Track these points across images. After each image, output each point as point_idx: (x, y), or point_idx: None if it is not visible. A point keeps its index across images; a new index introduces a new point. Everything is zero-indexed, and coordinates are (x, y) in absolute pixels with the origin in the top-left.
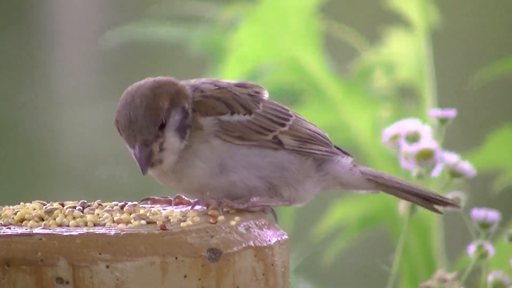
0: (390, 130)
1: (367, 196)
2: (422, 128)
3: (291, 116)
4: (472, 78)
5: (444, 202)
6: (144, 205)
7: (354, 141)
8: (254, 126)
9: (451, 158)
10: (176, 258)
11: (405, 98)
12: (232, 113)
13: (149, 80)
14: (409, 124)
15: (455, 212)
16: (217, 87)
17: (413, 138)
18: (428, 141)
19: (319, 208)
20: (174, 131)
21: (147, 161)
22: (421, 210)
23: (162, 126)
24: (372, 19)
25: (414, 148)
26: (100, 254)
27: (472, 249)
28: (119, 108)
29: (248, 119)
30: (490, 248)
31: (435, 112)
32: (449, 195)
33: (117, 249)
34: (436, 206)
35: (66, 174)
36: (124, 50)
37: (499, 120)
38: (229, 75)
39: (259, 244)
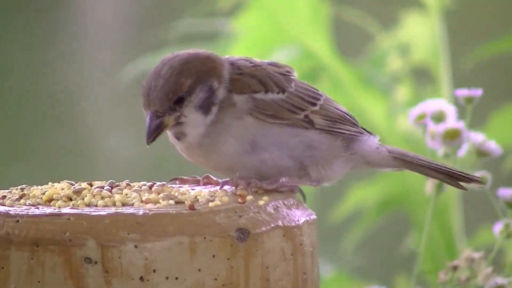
0: (415, 110)
1: (385, 179)
2: (448, 108)
3: (321, 95)
4: (469, 55)
5: (468, 179)
6: (172, 185)
7: (369, 126)
8: (287, 104)
9: (478, 137)
10: (205, 238)
11: (420, 80)
12: (266, 91)
13: (187, 52)
14: (435, 104)
15: (473, 191)
16: (252, 64)
17: (438, 117)
18: (454, 121)
19: (338, 191)
20: (196, 108)
21: (154, 131)
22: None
23: (180, 101)
24: (385, 2)
25: (440, 128)
26: (128, 234)
27: (498, 228)
28: (148, 73)
29: (282, 97)
30: None
31: (461, 92)
32: (476, 175)
33: (145, 229)
34: (461, 183)
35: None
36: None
37: (505, 99)
38: None
39: (288, 223)
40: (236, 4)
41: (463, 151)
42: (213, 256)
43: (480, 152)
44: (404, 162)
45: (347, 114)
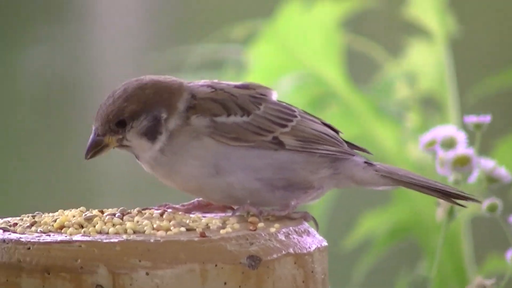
0: (425, 137)
1: (396, 206)
2: (458, 134)
3: (295, 116)
4: (475, 87)
5: (464, 197)
6: (184, 213)
7: (379, 153)
8: (251, 127)
9: (488, 164)
10: (216, 265)
11: (428, 108)
12: (229, 115)
13: (150, 78)
14: (445, 130)
15: (483, 218)
16: (213, 90)
17: (449, 144)
18: (464, 147)
19: (348, 220)
20: (139, 134)
21: (92, 147)
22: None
23: (122, 125)
24: (391, 32)
25: (450, 155)
26: (140, 261)
27: (510, 255)
28: None
29: (245, 120)
30: None
31: (470, 118)
32: (486, 202)
33: (157, 256)
34: (459, 201)
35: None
36: None
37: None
38: None
39: (299, 251)
40: (251, 32)
41: (473, 177)
42: (225, 283)
43: (490, 179)
44: (394, 180)
45: (326, 134)
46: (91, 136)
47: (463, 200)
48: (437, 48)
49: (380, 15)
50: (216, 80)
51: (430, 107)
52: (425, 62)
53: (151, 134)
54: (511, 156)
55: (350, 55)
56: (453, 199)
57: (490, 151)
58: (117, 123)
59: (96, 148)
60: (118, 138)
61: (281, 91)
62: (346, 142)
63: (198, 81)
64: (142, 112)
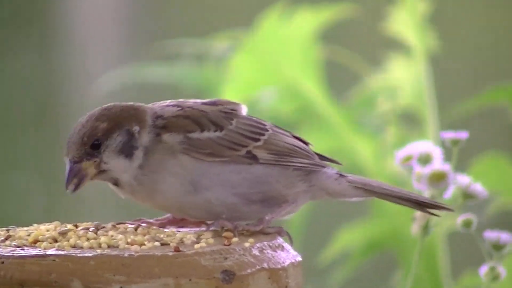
0: (402, 152)
1: (373, 221)
2: (434, 150)
3: (267, 130)
4: (454, 108)
5: (437, 206)
6: (159, 227)
7: (357, 167)
8: (225, 142)
9: (464, 179)
10: (190, 280)
11: (407, 123)
12: (202, 130)
13: (112, 103)
14: (421, 146)
15: (459, 233)
16: (180, 108)
17: (425, 159)
18: (440, 163)
19: (324, 234)
20: (115, 152)
21: (72, 177)
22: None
23: (97, 147)
24: (371, 45)
25: (426, 170)
26: (114, 275)
27: (483, 270)
28: None
29: (219, 135)
30: (501, 270)
31: (447, 134)
32: (461, 217)
33: (131, 271)
34: (433, 210)
35: None
36: (124, 92)
37: (486, 147)
38: None
39: (273, 266)
40: (231, 43)
41: (449, 193)
42: None
43: (466, 195)
44: (367, 191)
45: (297, 147)
46: (67, 167)
47: (437, 209)
48: (417, 63)
49: (360, 28)
50: (181, 99)
51: (409, 122)
52: (405, 77)
53: (128, 150)
54: (487, 174)
55: (330, 67)
56: (427, 209)
57: (466, 169)
58: (92, 145)
59: (75, 176)
60: (96, 162)
61: (261, 104)
62: (317, 154)
63: (162, 102)
64: (114, 129)
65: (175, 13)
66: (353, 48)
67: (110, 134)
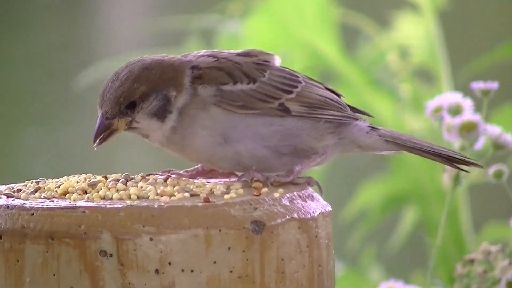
0: (432, 103)
1: (393, 176)
2: (464, 101)
3: (300, 82)
4: (467, 66)
5: (467, 162)
6: (188, 178)
7: (377, 123)
8: (258, 94)
9: (494, 130)
10: (220, 231)
11: (420, 80)
12: (235, 83)
13: (151, 58)
14: (451, 97)
15: (483, 185)
16: (215, 59)
17: (455, 110)
18: (470, 114)
19: (346, 189)
20: (148, 114)
21: (101, 132)
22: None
23: (132, 106)
24: (381, 5)
25: (457, 121)
26: (143, 227)
27: None
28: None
29: (252, 87)
30: None
31: (477, 84)
32: (492, 168)
33: (160, 222)
34: (462, 166)
35: None
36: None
37: (503, 98)
38: None
39: (303, 216)
40: (247, 7)
41: (479, 144)
42: (229, 248)
43: (497, 145)
44: (397, 145)
45: (330, 99)
46: (99, 120)
47: (466, 165)
48: (427, 21)
49: None
50: (216, 50)
51: (422, 78)
52: (416, 35)
53: (161, 113)
54: (505, 126)
55: (341, 29)
56: (456, 164)
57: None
58: (127, 105)
59: (104, 132)
60: (127, 121)
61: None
62: (349, 106)
63: (197, 52)
64: (151, 93)
65: None
66: (363, 8)
67: (147, 97)
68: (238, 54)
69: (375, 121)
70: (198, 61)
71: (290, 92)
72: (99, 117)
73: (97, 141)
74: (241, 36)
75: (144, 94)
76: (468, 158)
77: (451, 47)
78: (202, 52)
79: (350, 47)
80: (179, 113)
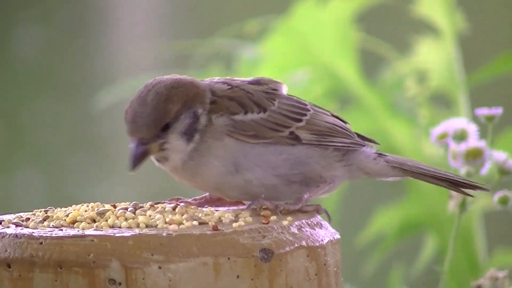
0: (437, 129)
1: (408, 202)
2: (469, 127)
3: (308, 110)
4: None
5: (473, 186)
6: (197, 207)
7: (394, 148)
8: (269, 123)
9: (500, 156)
10: (229, 259)
11: (438, 104)
12: (246, 112)
13: (170, 77)
14: (456, 123)
15: (496, 212)
16: (229, 87)
17: (460, 136)
18: (475, 140)
19: (362, 215)
20: (180, 134)
21: (139, 158)
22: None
23: (166, 128)
24: (400, 29)
25: (462, 147)
26: (152, 255)
27: None
28: (133, 98)
29: (263, 117)
30: None
31: (481, 111)
32: (497, 194)
33: (169, 250)
34: (467, 190)
35: None
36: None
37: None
38: None
39: (312, 244)
40: (263, 29)
41: (485, 170)
42: (237, 276)
43: (503, 171)
44: (404, 171)
45: (338, 126)
46: (135, 147)
47: (472, 189)
48: (446, 45)
49: (389, 13)
50: (229, 77)
51: (440, 103)
52: (434, 59)
53: (190, 132)
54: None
55: (360, 53)
56: (462, 189)
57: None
58: (162, 128)
59: (142, 158)
60: (160, 143)
61: (295, 84)
62: (356, 133)
63: (212, 78)
64: (183, 111)
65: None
66: (382, 33)
67: (179, 116)
68: (250, 83)
69: (392, 146)
70: (215, 86)
71: (299, 120)
72: (134, 144)
73: (135, 168)
74: (260, 57)
75: (177, 113)
76: (473, 182)
77: (469, 71)
78: (216, 79)
79: (369, 72)
80: (201, 134)
